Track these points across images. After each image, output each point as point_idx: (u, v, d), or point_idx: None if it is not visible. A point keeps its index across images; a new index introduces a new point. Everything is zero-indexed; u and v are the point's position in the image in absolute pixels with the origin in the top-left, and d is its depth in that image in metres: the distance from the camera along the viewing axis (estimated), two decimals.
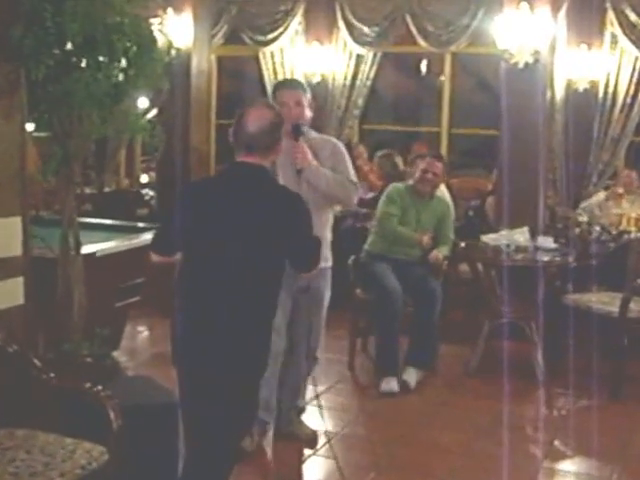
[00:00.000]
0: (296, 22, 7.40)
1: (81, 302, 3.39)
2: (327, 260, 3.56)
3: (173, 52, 3.98)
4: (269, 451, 3.55)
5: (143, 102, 5.15)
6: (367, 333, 5.09)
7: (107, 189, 8.25)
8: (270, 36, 7.47)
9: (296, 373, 3.71)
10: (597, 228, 5.38)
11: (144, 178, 8.75)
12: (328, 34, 7.37)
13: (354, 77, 7.40)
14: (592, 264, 4.95)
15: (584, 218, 5.51)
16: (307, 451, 3.71)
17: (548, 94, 6.37)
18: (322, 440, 3.81)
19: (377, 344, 4.71)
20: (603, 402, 4.34)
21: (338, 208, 4.75)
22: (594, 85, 6.60)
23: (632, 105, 6.54)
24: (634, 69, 6.49)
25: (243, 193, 2.57)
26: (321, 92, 7.36)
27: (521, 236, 5.02)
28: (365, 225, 5.82)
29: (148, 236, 3.83)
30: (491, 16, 6.10)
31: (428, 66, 8.37)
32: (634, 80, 6.50)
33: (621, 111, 6.57)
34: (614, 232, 5.45)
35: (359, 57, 7.35)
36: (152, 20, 3.38)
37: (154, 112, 6.02)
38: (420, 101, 8.81)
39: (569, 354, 4.42)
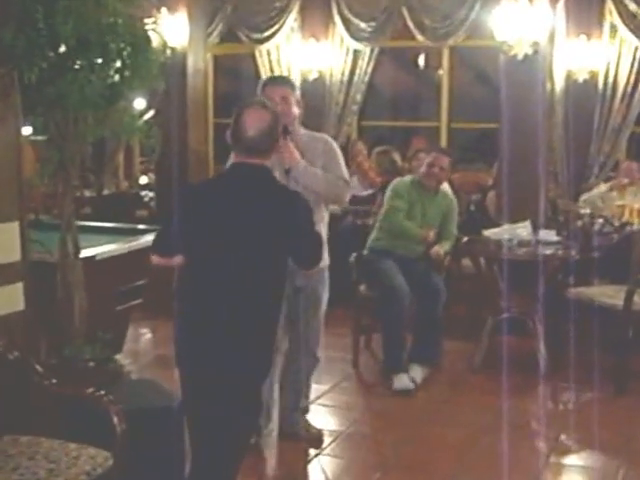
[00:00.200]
0: (292, 19, 7.37)
1: (82, 306, 3.37)
2: (323, 260, 3.53)
3: (168, 52, 3.94)
4: (267, 451, 3.52)
5: (140, 103, 5.14)
6: (371, 330, 5.07)
7: (106, 192, 8.22)
8: (266, 33, 7.43)
9: (296, 374, 3.68)
10: (599, 220, 5.33)
11: (143, 180, 8.71)
12: (324, 30, 7.32)
13: (351, 73, 7.36)
14: (595, 257, 4.91)
15: (586, 210, 5.47)
16: (312, 451, 3.69)
17: (548, 85, 6.35)
18: (327, 439, 3.79)
19: (384, 342, 4.66)
20: (608, 396, 4.32)
21: (335, 206, 4.72)
22: (594, 76, 6.56)
23: (632, 95, 6.51)
24: (634, 59, 6.45)
25: (245, 194, 2.55)
26: (319, 89, 7.34)
27: (523, 230, 4.99)
28: (366, 222, 5.79)
29: (148, 238, 3.81)
30: (489, 8, 6.05)
31: (426, 60, 8.32)
32: (634, 70, 6.47)
33: (621, 101, 6.54)
34: (617, 224, 5.41)
35: (356, 53, 7.32)
36: (146, 20, 3.35)
37: (151, 113, 5.98)
38: (419, 96, 8.76)
39: (573, 348, 4.38)
